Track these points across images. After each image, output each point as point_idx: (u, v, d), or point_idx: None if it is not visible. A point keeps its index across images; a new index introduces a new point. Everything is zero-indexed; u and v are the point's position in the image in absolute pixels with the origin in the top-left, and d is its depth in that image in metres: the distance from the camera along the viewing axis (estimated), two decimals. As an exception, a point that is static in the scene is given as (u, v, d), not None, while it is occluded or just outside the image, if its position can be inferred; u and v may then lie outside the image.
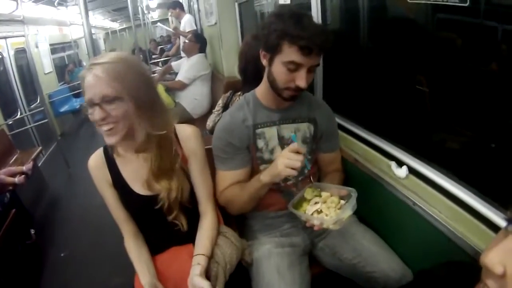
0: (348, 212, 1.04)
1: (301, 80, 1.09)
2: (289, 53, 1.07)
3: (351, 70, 1.76)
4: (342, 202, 1.10)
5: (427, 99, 1.31)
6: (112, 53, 1.02)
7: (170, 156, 1.08)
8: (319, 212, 1.07)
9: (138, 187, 1.14)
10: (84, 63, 7.72)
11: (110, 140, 1.00)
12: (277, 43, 1.08)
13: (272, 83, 1.17)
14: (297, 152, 1.05)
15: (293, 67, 1.08)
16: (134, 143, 1.06)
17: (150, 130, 0.99)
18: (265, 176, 1.14)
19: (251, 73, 1.64)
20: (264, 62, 1.18)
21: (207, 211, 1.23)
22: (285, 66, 1.09)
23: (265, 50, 1.15)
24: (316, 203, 1.10)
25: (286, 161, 1.04)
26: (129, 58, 1.00)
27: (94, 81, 0.92)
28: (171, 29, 5.92)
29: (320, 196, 1.14)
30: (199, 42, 3.49)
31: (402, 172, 1.27)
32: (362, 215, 1.40)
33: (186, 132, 1.18)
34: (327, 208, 1.08)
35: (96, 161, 1.16)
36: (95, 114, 0.95)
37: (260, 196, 1.24)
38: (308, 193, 1.14)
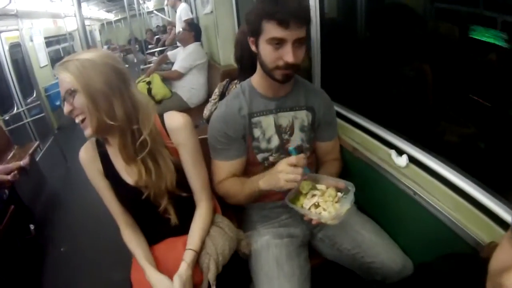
0: (346, 206, 1.02)
1: (287, 55, 1.07)
2: (269, 29, 1.06)
3: (349, 57, 1.73)
4: (340, 194, 1.08)
5: (426, 87, 1.28)
6: (82, 51, 1.06)
7: (134, 145, 1.07)
8: (317, 205, 1.05)
9: (128, 177, 1.14)
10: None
11: (85, 132, 1.03)
12: (258, 24, 1.08)
13: (263, 66, 1.16)
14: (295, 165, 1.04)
15: (277, 43, 1.07)
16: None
17: (106, 121, 1.00)
18: (265, 184, 1.13)
19: (247, 62, 1.62)
20: (253, 48, 1.17)
21: (201, 202, 1.22)
22: (269, 44, 1.08)
23: (251, 35, 1.14)
24: (313, 196, 1.08)
25: (286, 176, 1.04)
26: (97, 54, 1.00)
27: (60, 78, 0.98)
28: (166, 17, 5.85)
29: (315, 189, 1.11)
30: (193, 30, 3.44)
31: (402, 161, 1.24)
32: (362, 205, 1.38)
33: (173, 122, 1.15)
34: (324, 202, 1.05)
35: (87, 152, 1.16)
36: (64, 108, 1.00)
37: (256, 197, 1.23)
38: (303, 187, 1.11)
